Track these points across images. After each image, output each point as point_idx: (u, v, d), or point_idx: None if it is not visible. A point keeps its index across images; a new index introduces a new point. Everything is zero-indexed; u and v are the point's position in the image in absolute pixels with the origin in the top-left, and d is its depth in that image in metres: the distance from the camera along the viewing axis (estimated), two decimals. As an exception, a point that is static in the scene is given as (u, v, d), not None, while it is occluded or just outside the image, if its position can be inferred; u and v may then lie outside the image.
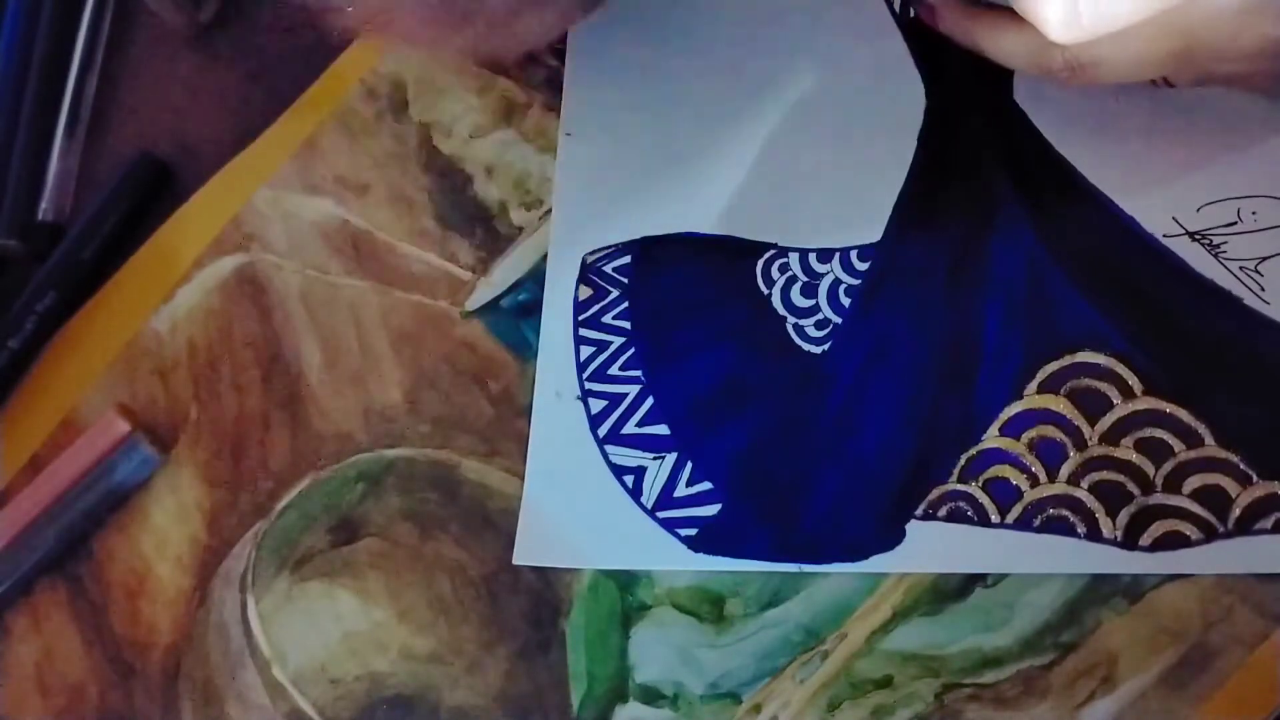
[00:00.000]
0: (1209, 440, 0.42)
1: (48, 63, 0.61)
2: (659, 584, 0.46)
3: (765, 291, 0.48)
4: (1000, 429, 0.44)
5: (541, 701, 0.46)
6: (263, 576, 0.51)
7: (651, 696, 0.45)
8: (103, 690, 0.52)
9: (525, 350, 0.50)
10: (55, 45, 0.61)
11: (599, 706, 0.46)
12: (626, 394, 0.48)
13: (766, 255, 0.48)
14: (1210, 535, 0.41)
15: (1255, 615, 0.40)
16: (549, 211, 0.52)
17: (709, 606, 0.45)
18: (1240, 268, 0.43)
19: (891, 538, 0.44)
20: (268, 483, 0.52)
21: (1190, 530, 0.41)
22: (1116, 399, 0.43)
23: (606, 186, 0.51)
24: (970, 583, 0.43)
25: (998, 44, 0.40)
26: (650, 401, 0.48)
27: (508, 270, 0.51)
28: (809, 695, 0.44)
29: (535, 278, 0.51)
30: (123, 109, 0.60)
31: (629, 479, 0.47)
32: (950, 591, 0.43)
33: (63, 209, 0.59)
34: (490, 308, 0.51)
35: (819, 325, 0.47)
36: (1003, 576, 0.43)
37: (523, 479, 0.49)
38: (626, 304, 0.49)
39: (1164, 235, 0.44)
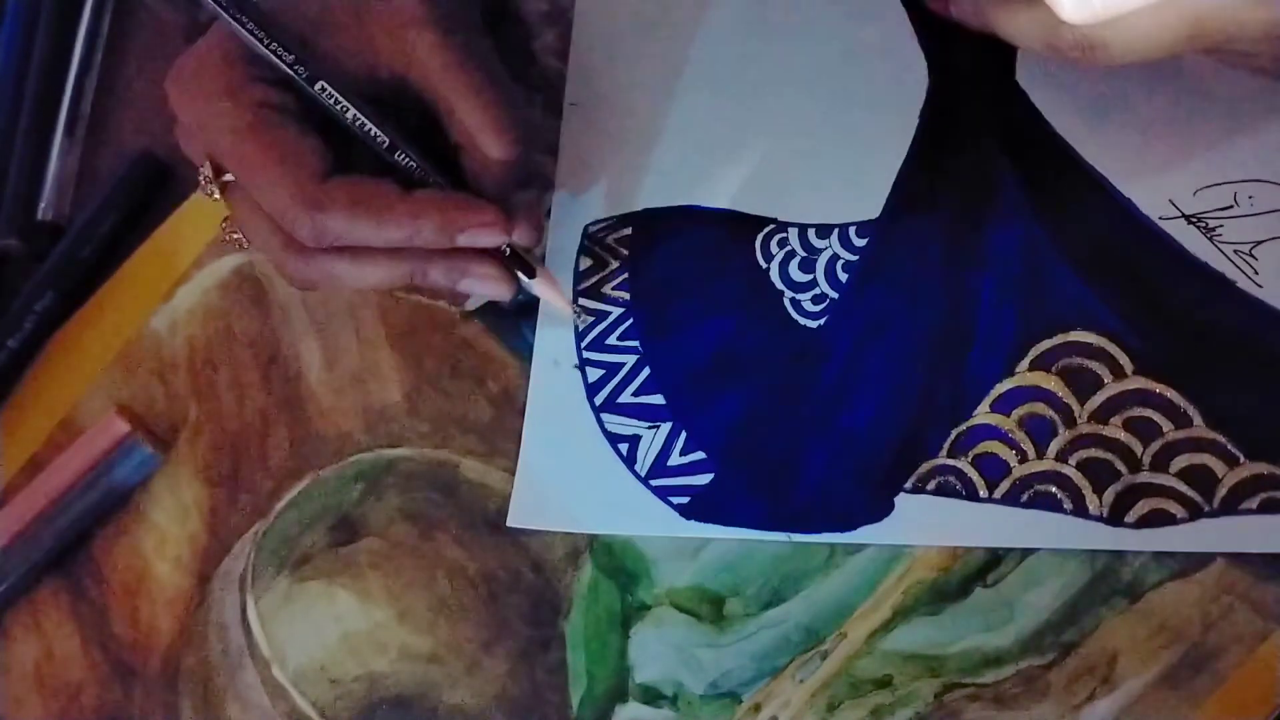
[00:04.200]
0: (1197, 420, 0.42)
1: (47, 62, 0.61)
2: (659, 584, 0.46)
3: (764, 265, 0.48)
4: (991, 405, 0.44)
5: (541, 701, 0.46)
6: (262, 576, 0.51)
7: (651, 696, 0.45)
8: (102, 690, 0.52)
9: (525, 350, 0.50)
10: (55, 45, 0.61)
11: (599, 706, 0.46)
12: (624, 363, 0.48)
13: (766, 230, 0.48)
14: (1196, 514, 0.41)
15: (1255, 615, 0.40)
16: (548, 213, 0.52)
17: (709, 606, 0.45)
18: (1235, 251, 0.43)
19: (880, 510, 0.44)
20: (267, 483, 0.52)
21: (1176, 509, 0.41)
22: (1107, 378, 0.43)
23: (610, 158, 0.51)
24: (970, 582, 0.43)
25: (1010, 24, 0.41)
26: (647, 371, 0.48)
27: (507, 270, 0.51)
28: (809, 695, 0.44)
29: (535, 277, 0.51)
30: (122, 108, 0.60)
31: (624, 447, 0.47)
32: (950, 591, 0.43)
33: (62, 208, 0.59)
34: (490, 308, 0.51)
35: (816, 300, 0.47)
36: (1003, 576, 0.43)
37: (522, 479, 0.49)
38: (626, 275, 0.50)
39: (1160, 218, 0.44)
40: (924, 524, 0.43)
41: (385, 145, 0.44)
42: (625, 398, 0.48)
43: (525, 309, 0.51)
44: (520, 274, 0.46)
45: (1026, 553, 0.43)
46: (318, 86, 0.43)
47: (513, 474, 0.49)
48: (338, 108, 0.43)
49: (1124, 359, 0.43)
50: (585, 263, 0.50)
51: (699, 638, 0.45)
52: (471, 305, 0.52)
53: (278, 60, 0.43)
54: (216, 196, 0.45)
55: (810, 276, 0.47)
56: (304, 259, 0.45)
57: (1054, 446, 0.43)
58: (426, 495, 0.50)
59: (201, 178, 0.45)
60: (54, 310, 0.57)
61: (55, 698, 0.52)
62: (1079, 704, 0.41)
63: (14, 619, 0.54)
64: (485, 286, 0.46)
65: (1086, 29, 0.38)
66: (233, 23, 0.43)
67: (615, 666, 0.46)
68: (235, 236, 0.47)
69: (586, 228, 0.51)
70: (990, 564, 0.43)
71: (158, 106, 0.60)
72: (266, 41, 0.43)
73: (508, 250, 0.46)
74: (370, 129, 0.44)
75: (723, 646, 0.45)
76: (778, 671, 0.44)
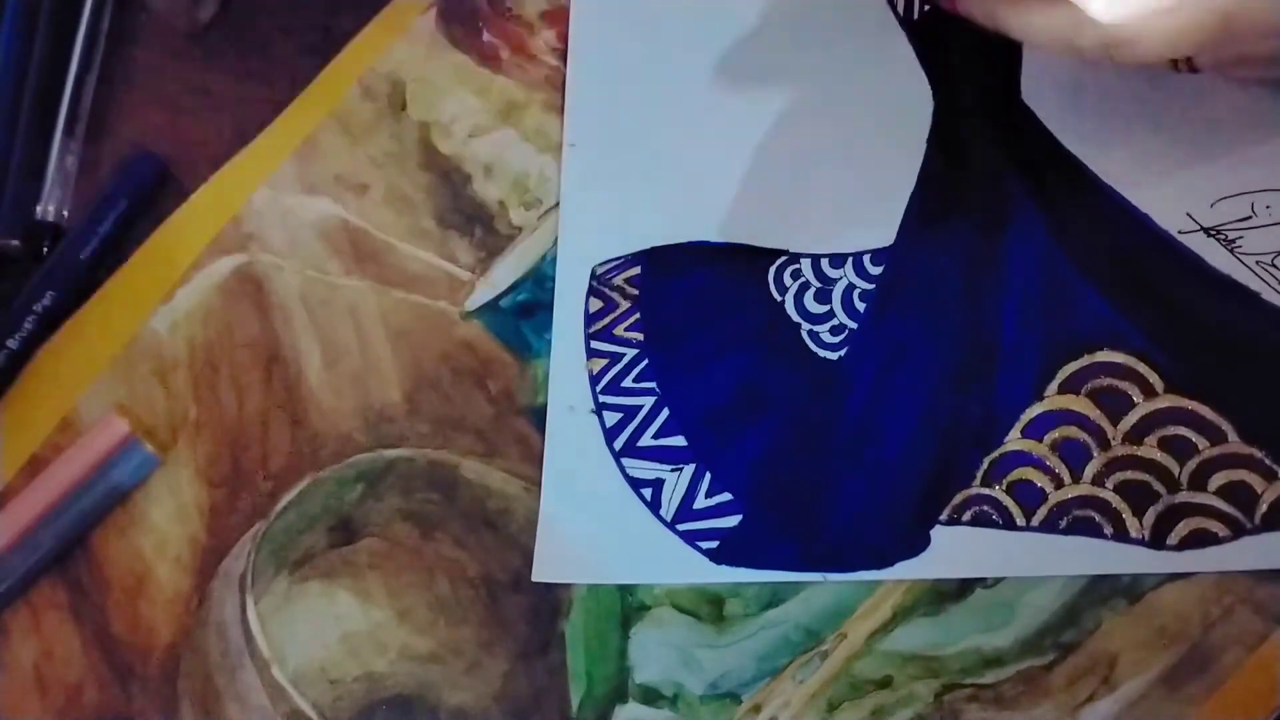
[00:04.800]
0: (1232, 436, 0.42)
1: (47, 62, 0.60)
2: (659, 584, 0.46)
3: (778, 298, 0.47)
4: (1022, 431, 0.43)
5: (541, 702, 0.46)
6: (262, 577, 0.51)
7: (651, 697, 0.45)
8: (101, 691, 0.52)
9: (525, 350, 0.50)
10: (54, 45, 0.61)
11: (598, 707, 0.46)
12: (642, 406, 0.47)
13: (778, 262, 0.48)
14: (1238, 532, 0.41)
15: (1255, 615, 0.40)
16: (549, 211, 0.52)
17: (709, 606, 0.45)
18: (1257, 262, 0.43)
19: (917, 544, 0.43)
20: (267, 483, 0.52)
21: (1218, 528, 0.41)
22: (1138, 397, 0.43)
23: (613, 197, 0.51)
24: (970, 583, 0.43)
25: (1025, 23, 0.39)
26: (666, 413, 0.47)
27: (507, 270, 0.51)
28: (809, 696, 0.44)
29: (535, 278, 0.51)
30: (122, 108, 0.60)
31: (647, 492, 0.46)
32: (950, 592, 0.43)
33: (61, 208, 0.59)
34: (490, 308, 0.51)
35: (834, 331, 0.46)
36: (1003, 577, 0.43)
37: (523, 479, 0.49)
38: (638, 315, 0.49)
39: (1179, 231, 0.44)
40: (962, 556, 0.43)
41: None
42: (645, 440, 0.47)
43: (525, 309, 0.51)
44: None
45: (1027, 553, 0.43)
46: None
47: (513, 475, 0.49)
48: None
49: (1153, 377, 0.43)
50: (595, 305, 0.50)
51: (699, 638, 0.45)
52: (472, 305, 0.52)
53: None
54: None
55: (827, 307, 0.47)
56: None
57: (1090, 470, 0.42)
58: (426, 496, 0.50)
59: None
60: (54, 310, 0.57)
61: (54, 698, 0.52)
62: (1079, 705, 0.41)
63: (13, 619, 0.54)
64: None
65: (1112, 27, 0.37)
66: None
67: (615, 667, 0.46)
68: None
69: (594, 269, 0.50)
70: (990, 565, 0.43)
71: (157, 106, 0.60)
72: None
73: None
74: None
75: (723, 647, 0.45)
76: (778, 672, 0.44)
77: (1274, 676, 0.40)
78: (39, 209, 0.59)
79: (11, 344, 0.57)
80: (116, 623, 0.52)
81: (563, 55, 0.54)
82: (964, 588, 0.43)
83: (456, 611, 0.48)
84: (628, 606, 0.46)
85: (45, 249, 0.58)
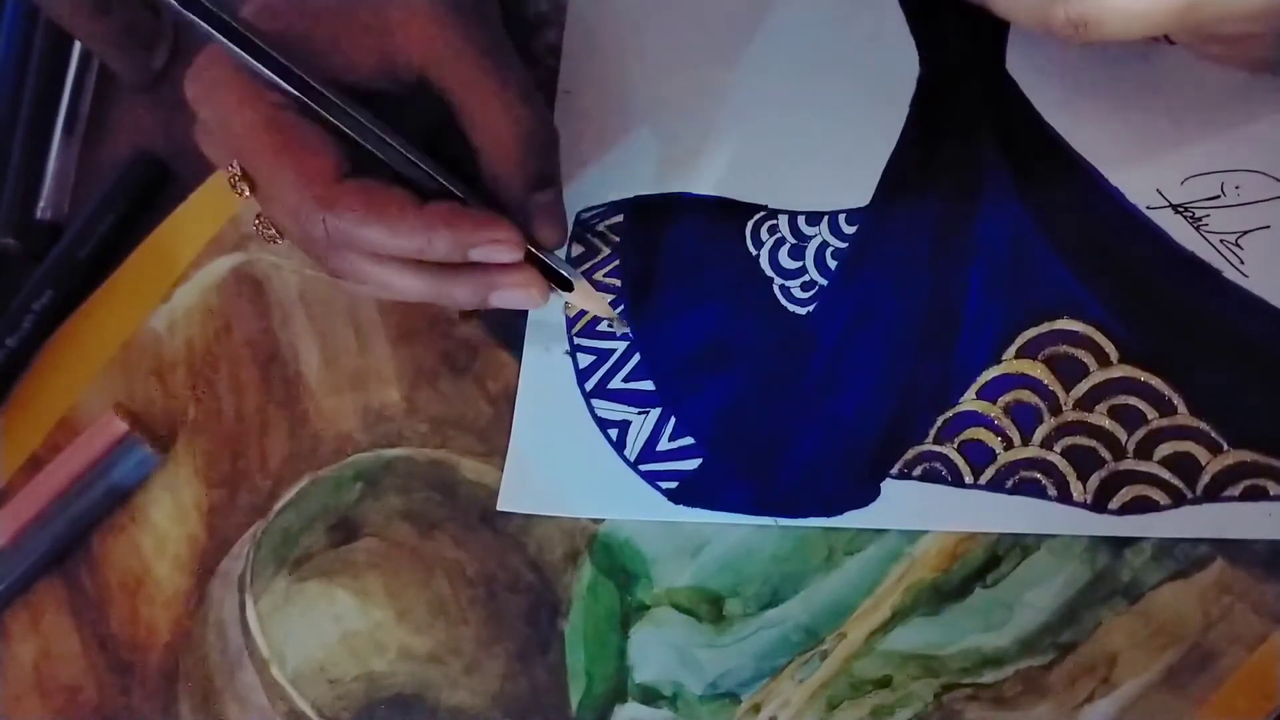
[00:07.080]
0: (1182, 409, 0.42)
1: (47, 62, 0.61)
2: (658, 584, 0.46)
3: (754, 253, 0.48)
4: (977, 392, 0.44)
5: (540, 701, 0.46)
6: (261, 576, 0.51)
7: (650, 696, 0.45)
8: (101, 690, 0.52)
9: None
10: (54, 44, 0.61)
11: (598, 706, 0.46)
12: (614, 350, 0.48)
13: (756, 217, 0.49)
14: (1178, 501, 0.41)
15: (1255, 615, 0.40)
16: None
17: (708, 606, 0.45)
18: (1221, 241, 0.43)
19: (866, 495, 0.44)
20: (266, 482, 0.52)
21: (1159, 496, 0.41)
22: (1093, 366, 0.43)
23: (602, 145, 0.51)
24: (970, 582, 0.43)
25: None
26: (637, 358, 0.48)
27: (507, 270, 0.51)
28: (808, 695, 0.44)
29: (534, 277, 0.51)
30: (121, 108, 0.60)
31: (613, 432, 0.47)
32: (950, 591, 0.43)
33: (61, 208, 0.59)
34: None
35: (805, 287, 0.47)
36: (1002, 576, 0.43)
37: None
38: (617, 262, 0.50)
39: (1147, 207, 0.44)
40: (909, 509, 0.44)
41: (398, 154, 0.44)
42: (615, 383, 0.48)
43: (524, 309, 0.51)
44: (557, 288, 0.46)
45: (1026, 553, 0.43)
46: (325, 103, 0.43)
47: (512, 474, 0.49)
48: (345, 121, 0.43)
49: (1110, 347, 0.43)
50: (577, 249, 0.50)
51: (698, 638, 0.45)
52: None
53: (278, 80, 0.43)
54: (247, 195, 0.45)
55: (800, 264, 0.47)
56: (336, 250, 0.44)
57: (1039, 434, 0.43)
58: (425, 495, 0.50)
59: (230, 177, 0.45)
60: (53, 310, 0.57)
61: (54, 697, 0.52)
62: (1078, 704, 0.41)
63: (13, 618, 0.54)
64: (518, 298, 0.45)
65: (1080, 5, 0.38)
66: (227, 44, 0.43)
67: (614, 667, 0.46)
68: (270, 233, 0.46)
69: (579, 214, 0.51)
70: (990, 564, 0.43)
71: (156, 105, 0.60)
72: (264, 62, 0.43)
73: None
74: (382, 137, 0.44)
75: (722, 646, 0.45)
76: (777, 671, 0.44)
77: (1274, 676, 0.40)
78: (38, 208, 0.59)
79: (10, 343, 0.57)
80: (116, 622, 0.52)
81: (560, 55, 0.54)
82: (964, 587, 0.43)
83: (456, 611, 0.48)
84: (627, 606, 0.46)
85: (44, 248, 0.58)
